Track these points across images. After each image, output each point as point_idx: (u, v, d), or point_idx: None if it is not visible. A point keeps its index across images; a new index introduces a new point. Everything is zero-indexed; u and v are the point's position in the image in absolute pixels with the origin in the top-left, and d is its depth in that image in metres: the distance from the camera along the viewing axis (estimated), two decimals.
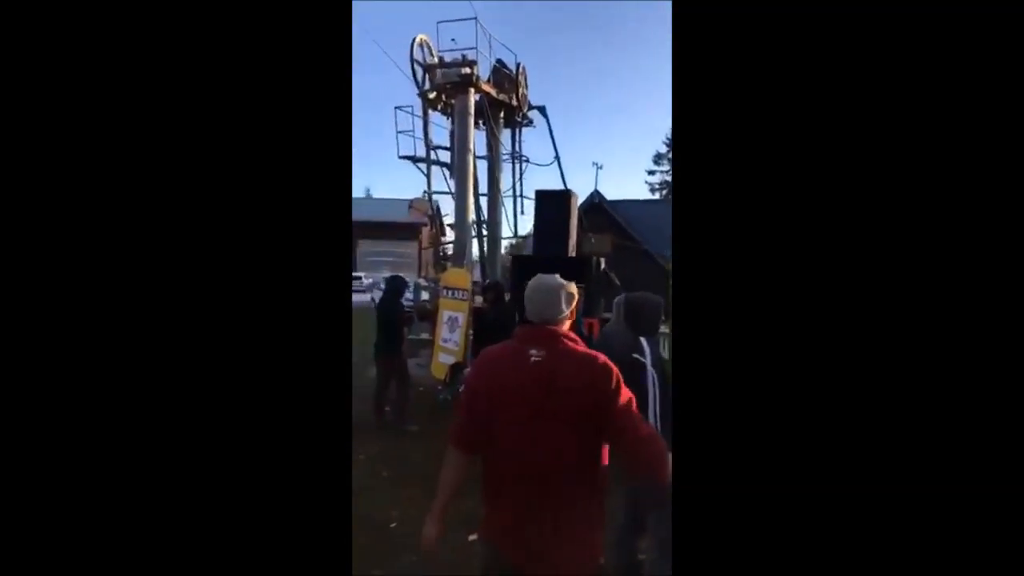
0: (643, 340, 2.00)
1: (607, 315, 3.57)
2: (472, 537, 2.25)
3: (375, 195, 35.72)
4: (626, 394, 1.24)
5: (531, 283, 1.37)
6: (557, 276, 1.36)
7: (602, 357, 1.28)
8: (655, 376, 1.93)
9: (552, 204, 5.40)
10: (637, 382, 1.78)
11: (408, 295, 5.21)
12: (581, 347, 1.31)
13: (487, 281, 5.59)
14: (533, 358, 1.25)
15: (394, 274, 5.65)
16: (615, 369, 1.25)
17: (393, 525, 2.74)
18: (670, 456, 1.15)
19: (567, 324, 1.34)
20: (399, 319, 4.59)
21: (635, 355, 1.93)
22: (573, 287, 1.37)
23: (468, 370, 1.49)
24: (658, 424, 1.87)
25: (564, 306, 1.31)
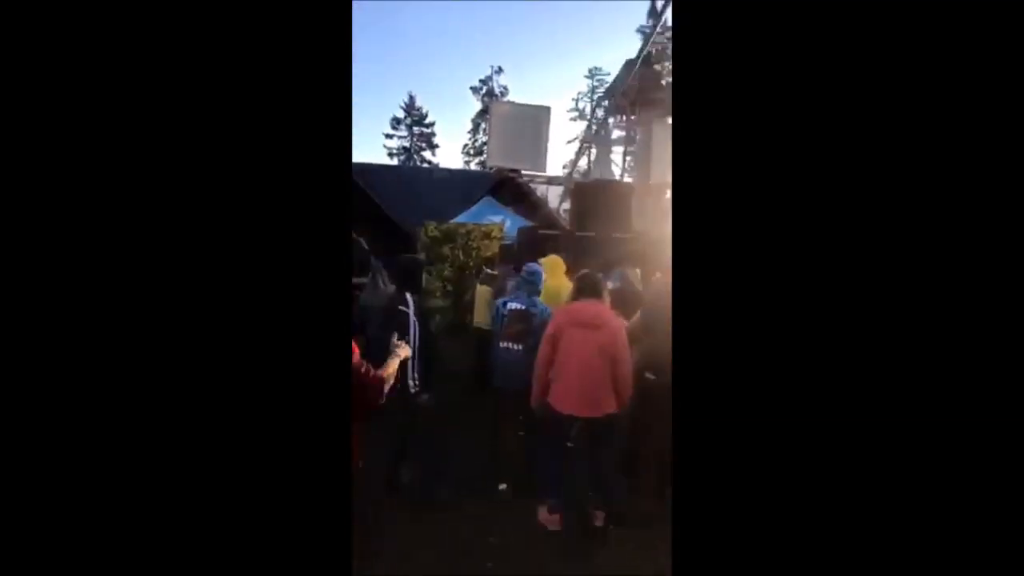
0: (408, 295, 2.65)
1: (362, 280, 3.55)
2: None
3: None
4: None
5: None
6: None
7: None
8: (416, 322, 2.61)
9: None
10: (404, 327, 2.54)
11: None
12: None
13: None
14: None
15: None
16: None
17: None
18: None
19: None
20: None
21: (401, 307, 2.62)
22: None
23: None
24: (416, 358, 2.56)
25: None
